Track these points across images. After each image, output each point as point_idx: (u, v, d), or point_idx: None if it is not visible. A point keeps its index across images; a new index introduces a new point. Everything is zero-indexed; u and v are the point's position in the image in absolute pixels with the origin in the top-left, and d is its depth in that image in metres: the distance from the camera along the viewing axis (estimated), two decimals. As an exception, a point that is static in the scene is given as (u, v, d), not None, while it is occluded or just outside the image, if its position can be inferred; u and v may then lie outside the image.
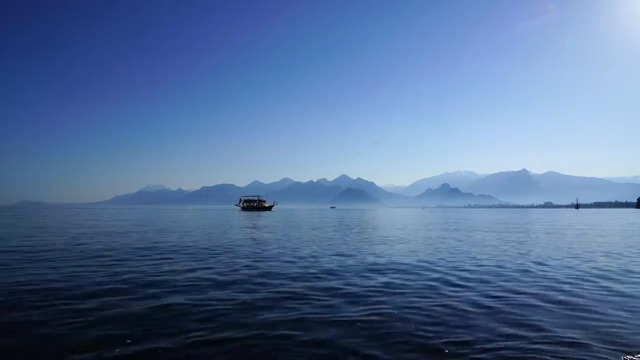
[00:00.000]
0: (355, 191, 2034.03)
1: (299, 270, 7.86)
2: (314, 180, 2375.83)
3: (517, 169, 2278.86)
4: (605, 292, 6.06)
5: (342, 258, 9.77)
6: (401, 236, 16.97)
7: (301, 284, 6.55)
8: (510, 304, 5.29)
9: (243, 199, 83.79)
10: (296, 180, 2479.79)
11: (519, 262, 9.15)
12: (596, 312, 4.92)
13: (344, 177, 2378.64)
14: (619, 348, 3.76)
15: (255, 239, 15.31)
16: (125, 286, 6.27)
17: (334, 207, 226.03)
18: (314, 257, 9.93)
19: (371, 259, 9.63)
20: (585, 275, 7.38)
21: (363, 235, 17.71)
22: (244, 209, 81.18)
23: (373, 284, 6.52)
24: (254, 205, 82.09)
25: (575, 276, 7.31)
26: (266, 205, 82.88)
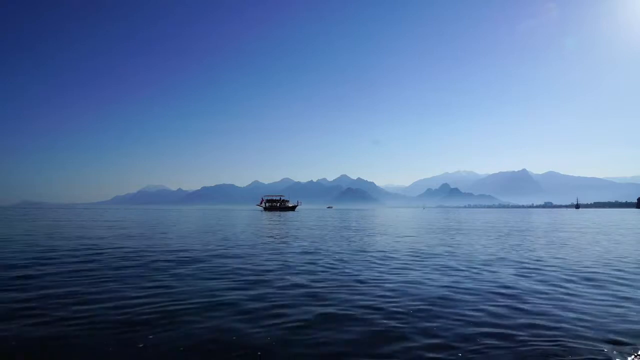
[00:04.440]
0: (355, 191, 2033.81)
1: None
2: (314, 180, 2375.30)
3: (517, 169, 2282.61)
4: None
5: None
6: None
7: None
8: None
9: (265, 198, 79.71)
10: (296, 180, 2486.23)
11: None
12: None
13: (344, 177, 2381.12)
14: None
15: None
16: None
17: (331, 207, 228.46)
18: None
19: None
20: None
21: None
22: (266, 209, 77.22)
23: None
24: (276, 205, 78.30)
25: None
26: (289, 205, 79.30)
